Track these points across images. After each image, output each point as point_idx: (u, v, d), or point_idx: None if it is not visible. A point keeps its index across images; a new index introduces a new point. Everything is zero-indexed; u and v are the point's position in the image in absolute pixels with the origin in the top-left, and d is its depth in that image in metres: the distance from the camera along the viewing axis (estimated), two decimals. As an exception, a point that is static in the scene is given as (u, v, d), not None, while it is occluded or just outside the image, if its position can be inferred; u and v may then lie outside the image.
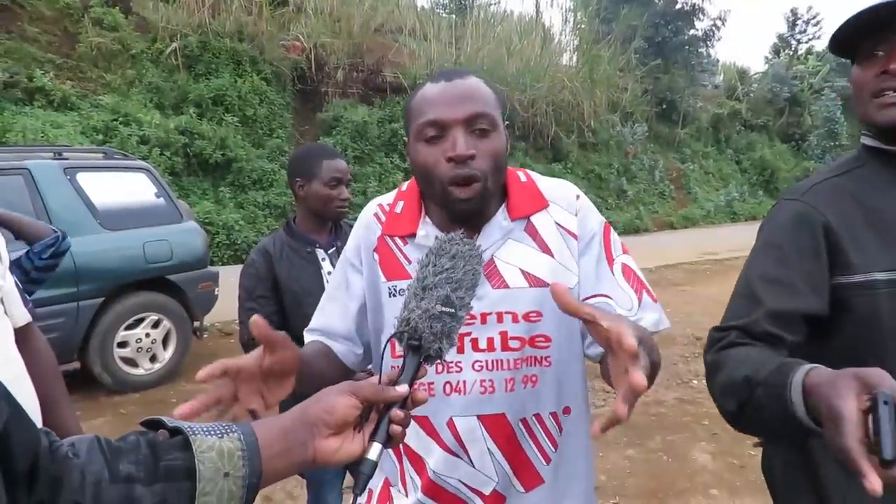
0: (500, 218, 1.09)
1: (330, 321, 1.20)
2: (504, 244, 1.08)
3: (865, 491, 0.64)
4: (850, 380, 0.72)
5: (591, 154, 16.11)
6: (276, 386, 0.86)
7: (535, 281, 1.06)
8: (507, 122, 1.12)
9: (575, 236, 1.09)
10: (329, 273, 1.95)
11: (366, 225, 1.19)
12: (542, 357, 1.07)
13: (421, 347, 0.75)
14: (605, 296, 1.06)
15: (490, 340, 1.05)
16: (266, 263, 1.97)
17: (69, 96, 8.96)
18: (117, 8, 10.27)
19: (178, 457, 0.61)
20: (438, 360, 0.77)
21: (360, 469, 0.69)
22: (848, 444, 0.67)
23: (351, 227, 2.09)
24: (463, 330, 1.03)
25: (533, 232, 1.09)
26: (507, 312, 1.05)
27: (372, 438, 0.71)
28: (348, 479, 2.30)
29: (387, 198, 1.21)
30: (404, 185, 1.21)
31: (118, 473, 0.57)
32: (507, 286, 1.06)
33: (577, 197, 1.13)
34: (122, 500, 0.57)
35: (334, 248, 2.02)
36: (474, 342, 1.05)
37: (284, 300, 1.96)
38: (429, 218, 1.12)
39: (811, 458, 1.07)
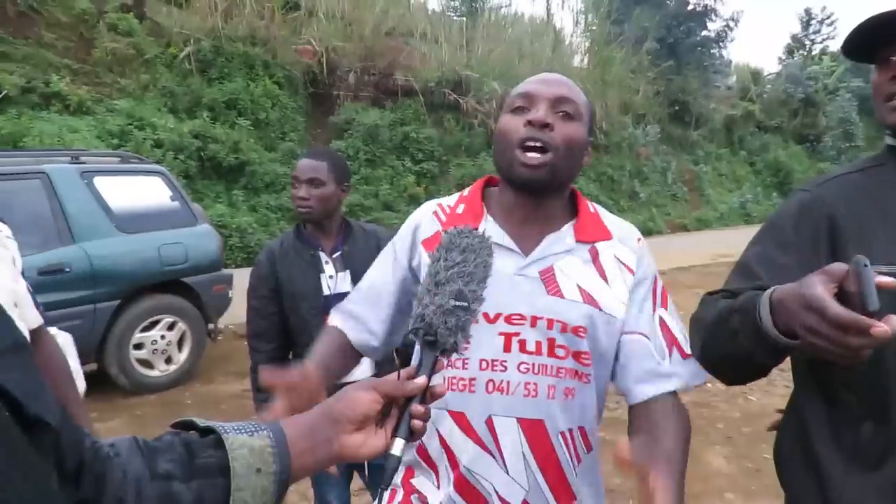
0: (566, 234, 1.12)
1: (358, 308, 1.23)
2: (566, 256, 1.11)
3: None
4: (817, 274, 0.79)
5: (604, 156, 16.05)
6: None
7: (588, 298, 1.08)
8: (591, 139, 1.15)
9: (632, 272, 1.12)
10: (331, 277, 1.95)
11: (419, 223, 1.21)
12: (583, 373, 1.09)
13: (437, 342, 0.76)
14: (644, 335, 1.10)
15: (538, 344, 1.06)
16: (269, 264, 1.99)
17: (85, 101, 9.06)
18: (132, 14, 10.39)
19: (213, 454, 0.63)
20: (455, 354, 0.79)
21: (384, 464, 0.71)
22: (841, 313, 0.73)
23: (364, 230, 2.09)
24: (511, 329, 1.06)
25: (594, 255, 1.12)
26: (557, 321, 1.07)
27: (395, 434, 0.73)
28: (358, 482, 2.30)
29: (447, 200, 1.23)
30: (465, 191, 1.22)
31: (157, 471, 0.59)
32: (561, 296, 1.08)
33: (639, 240, 1.18)
34: (163, 496, 0.58)
35: (339, 253, 1.99)
36: (522, 343, 1.06)
37: (283, 300, 1.97)
38: (490, 217, 1.14)
39: (812, 449, 1.07)
